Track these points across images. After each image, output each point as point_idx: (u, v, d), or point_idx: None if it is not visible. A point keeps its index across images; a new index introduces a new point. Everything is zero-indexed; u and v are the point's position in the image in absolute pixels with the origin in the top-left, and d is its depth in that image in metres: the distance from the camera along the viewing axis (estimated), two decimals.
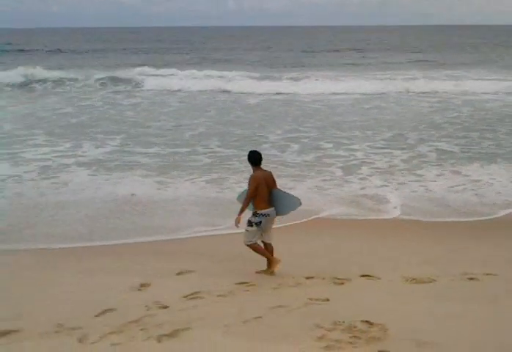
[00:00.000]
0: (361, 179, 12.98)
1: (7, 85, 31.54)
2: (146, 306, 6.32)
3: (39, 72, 34.00)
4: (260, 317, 5.91)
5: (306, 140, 17.32)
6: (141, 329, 5.64)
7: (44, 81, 32.54)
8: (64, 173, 13.43)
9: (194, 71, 35.59)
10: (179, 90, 30.12)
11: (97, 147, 16.26)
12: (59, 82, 32.43)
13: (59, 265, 8.11)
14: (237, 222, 7.22)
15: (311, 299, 6.43)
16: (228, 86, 30.46)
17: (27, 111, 23.30)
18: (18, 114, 22.58)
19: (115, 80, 32.76)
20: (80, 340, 5.44)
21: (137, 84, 31.80)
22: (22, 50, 64.38)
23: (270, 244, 7.63)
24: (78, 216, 10.40)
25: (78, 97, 28.20)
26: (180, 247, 8.87)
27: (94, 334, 5.54)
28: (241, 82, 31.69)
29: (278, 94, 28.83)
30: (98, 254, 8.55)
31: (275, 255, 7.62)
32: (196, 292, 6.73)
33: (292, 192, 11.25)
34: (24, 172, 13.46)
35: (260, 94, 28.53)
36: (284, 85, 31.13)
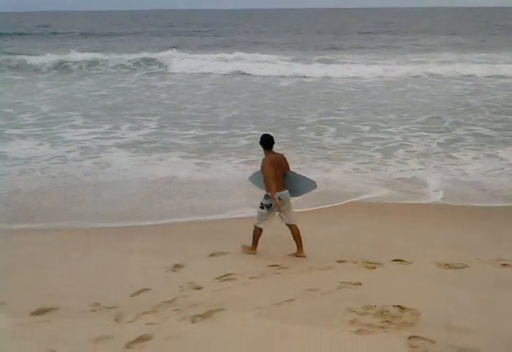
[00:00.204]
0: (399, 162, 12.90)
1: (44, 68, 32.00)
2: (180, 286, 6.45)
3: (74, 55, 34.40)
4: (292, 299, 5.97)
5: (342, 123, 17.22)
6: (176, 309, 5.76)
7: (79, 63, 32.89)
8: (105, 154, 13.71)
9: (225, 54, 35.27)
10: (210, 73, 30.07)
11: (134, 129, 16.46)
12: (93, 64, 32.79)
13: (98, 244, 8.28)
14: (278, 205, 7.31)
15: (343, 283, 6.45)
16: (259, 69, 30.23)
17: (63, 93, 23.72)
18: (55, 96, 22.97)
19: (148, 62, 32.94)
20: (116, 319, 5.58)
21: (169, 67, 31.84)
22: (55, 33, 65.02)
23: (295, 226, 7.63)
24: (119, 196, 10.66)
25: (112, 79, 28.54)
26: (215, 228, 8.94)
27: (130, 313, 5.68)
28: (272, 65, 31.45)
29: (310, 77, 28.55)
30: (135, 234, 8.72)
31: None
32: (229, 274, 6.82)
33: (329, 175, 11.43)
34: (66, 152, 13.81)
35: (292, 77, 28.43)
36: (316, 68, 30.73)
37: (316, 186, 7.73)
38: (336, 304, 5.82)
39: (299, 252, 7.63)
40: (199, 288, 6.41)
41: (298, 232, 7.64)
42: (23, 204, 10.20)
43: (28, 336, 5.29)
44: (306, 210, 9.61)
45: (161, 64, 32.29)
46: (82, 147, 14.28)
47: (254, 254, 7.73)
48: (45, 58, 33.47)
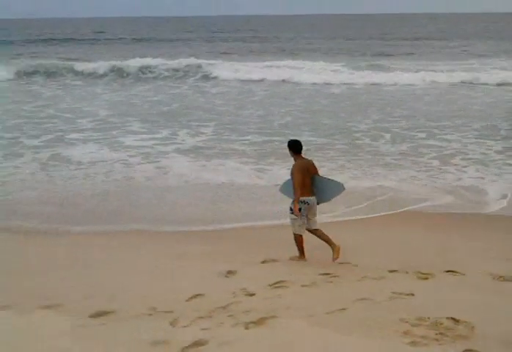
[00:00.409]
0: (457, 170, 12.82)
1: (100, 74, 32.90)
2: (233, 292, 6.54)
3: (129, 60, 35.17)
4: (344, 309, 5.98)
5: (396, 130, 17.20)
6: (229, 315, 5.85)
7: (133, 69, 33.61)
8: (165, 159, 14.12)
9: (276, 61, 35.34)
10: (261, 80, 30.17)
11: (192, 135, 16.84)
12: (147, 70, 33.42)
13: (155, 247, 8.53)
14: (296, 212, 7.48)
15: (395, 293, 6.42)
16: (308, 76, 30.23)
17: (120, 99, 24.44)
18: (112, 102, 23.68)
19: (199, 68, 33.28)
20: (171, 324, 5.70)
21: (220, 73, 32.08)
22: (109, 40, 66.57)
23: (319, 230, 7.75)
24: (178, 201, 11.00)
25: (166, 85, 29.26)
26: (269, 234, 9.05)
27: (185, 318, 5.80)
28: (322, 71, 31.48)
29: (360, 83, 28.43)
30: (191, 238, 8.95)
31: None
32: (280, 281, 6.87)
33: (385, 182, 11.47)
34: (128, 157, 14.30)
35: (342, 84, 28.33)
36: (366, 74, 30.61)
37: (344, 188, 7.83)
38: (388, 315, 5.80)
39: (335, 251, 7.70)
40: (251, 295, 6.49)
41: (322, 233, 7.76)
42: (87, 207, 10.65)
43: (87, 338, 5.45)
44: (361, 217, 9.66)
45: (212, 71, 32.61)
46: (142, 153, 14.70)
47: (304, 261, 7.83)
48: (100, 64, 34.33)
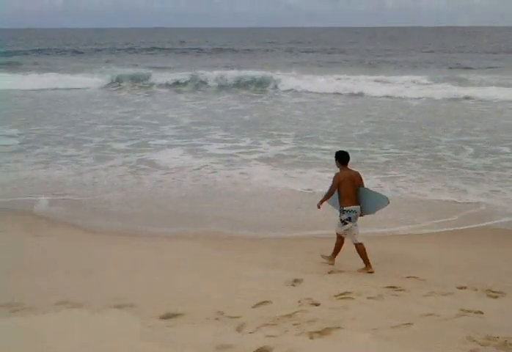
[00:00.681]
0: None
1: (184, 83, 33.79)
2: (299, 301, 6.62)
3: (212, 71, 35.92)
4: (410, 323, 5.94)
5: (479, 143, 16.83)
6: (294, 324, 5.94)
7: (214, 79, 34.12)
8: (247, 166, 14.48)
9: (355, 74, 34.67)
10: (340, 92, 29.77)
11: (274, 144, 17.08)
12: (226, 81, 33.84)
13: (225, 252, 8.72)
14: (318, 205, 8.02)
15: (463, 310, 6.32)
16: (386, 89, 29.73)
17: (203, 108, 25.28)
18: (195, 110, 24.44)
19: (281, 79, 33.08)
20: (238, 329, 5.85)
21: (300, 84, 31.87)
22: (191, 49, 67.65)
23: (361, 245, 7.89)
24: (259, 207, 11.25)
25: (247, 95, 29.90)
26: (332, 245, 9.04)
27: (251, 324, 5.94)
28: (402, 84, 30.93)
29: (440, 96, 27.67)
30: (260, 244, 9.09)
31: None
32: (346, 293, 6.90)
33: (467, 196, 11.40)
34: (211, 163, 14.73)
35: (422, 97, 27.71)
36: (446, 87, 29.65)
37: (389, 202, 7.93)
38: (455, 332, 5.72)
39: (367, 268, 7.84)
40: (317, 304, 6.55)
41: (363, 249, 7.85)
42: (171, 209, 11.16)
43: (155, 339, 5.66)
44: (436, 230, 9.56)
45: (291, 82, 32.38)
46: (227, 160, 15.12)
47: (330, 263, 8.11)
48: (184, 73, 35.39)
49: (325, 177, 13.03)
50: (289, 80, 32.93)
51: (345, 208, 7.78)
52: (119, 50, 65.56)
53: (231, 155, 15.76)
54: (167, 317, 6.18)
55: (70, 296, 6.64)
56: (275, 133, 18.77)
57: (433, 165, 14.28)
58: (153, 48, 67.65)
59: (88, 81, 33.99)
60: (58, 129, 19.66)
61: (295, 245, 9.12)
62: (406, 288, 7.12)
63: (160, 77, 34.96)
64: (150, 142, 17.47)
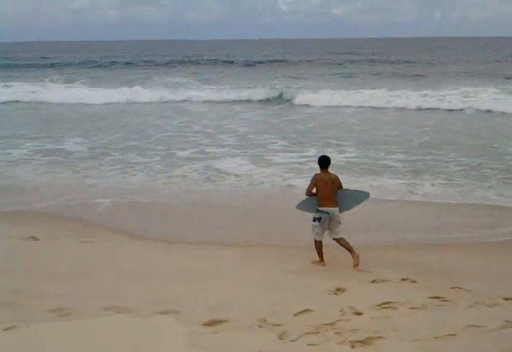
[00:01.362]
0: None
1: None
2: (341, 310, 6.65)
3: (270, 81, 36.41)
4: (454, 334, 5.90)
5: None
6: (336, 333, 5.98)
7: (268, 90, 33.51)
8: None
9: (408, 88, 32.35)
10: (402, 106, 27.91)
11: (338, 152, 17.00)
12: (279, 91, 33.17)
13: (267, 260, 8.77)
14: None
15: (508, 322, 6.23)
16: (441, 103, 28.06)
17: (258, 118, 25.41)
18: (250, 120, 24.71)
19: (335, 91, 31.93)
20: (280, 337, 5.92)
21: (357, 97, 30.31)
22: (230, 62, 66.46)
23: (342, 239, 8.42)
24: None
25: (299, 104, 29.71)
26: (383, 255, 9.05)
27: (293, 332, 6.00)
28: (463, 94, 29.28)
29: (501, 107, 26.21)
30: (302, 252, 9.03)
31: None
32: (389, 302, 6.88)
33: None
34: (282, 172, 14.81)
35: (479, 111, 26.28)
36: (505, 98, 27.90)
37: (369, 196, 8.69)
38: (500, 345, 5.67)
39: (354, 258, 8.33)
40: (359, 313, 6.56)
41: (345, 242, 8.40)
42: (237, 215, 11.37)
43: (199, 346, 5.77)
44: (484, 240, 9.50)
45: (346, 94, 31.06)
46: (292, 168, 15.18)
47: (323, 265, 8.48)
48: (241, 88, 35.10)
49: (397, 182, 13.46)
50: (341, 93, 31.36)
51: (319, 208, 8.31)
52: (168, 62, 65.68)
53: (299, 163, 15.86)
54: (211, 323, 6.30)
55: (117, 301, 6.83)
56: (334, 141, 18.77)
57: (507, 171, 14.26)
58: (207, 60, 67.54)
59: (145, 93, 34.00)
60: (121, 138, 20.22)
61: (337, 253, 9.09)
62: (450, 299, 7.04)
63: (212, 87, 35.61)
64: (208, 150, 17.78)
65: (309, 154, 16.70)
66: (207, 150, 17.78)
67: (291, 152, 17.40)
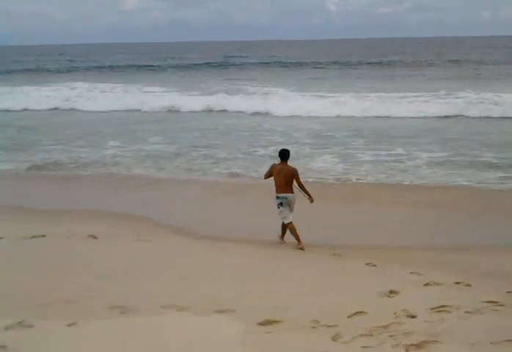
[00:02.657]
0: None
1: None
2: (394, 313, 6.65)
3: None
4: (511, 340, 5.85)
5: None
6: (390, 335, 5.99)
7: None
8: (416, 170, 15.37)
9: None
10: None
11: (425, 151, 17.37)
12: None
13: (322, 260, 8.88)
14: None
15: None
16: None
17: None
18: (323, 119, 25.02)
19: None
20: (333, 338, 5.98)
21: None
22: (293, 63, 65.10)
23: (291, 224, 9.53)
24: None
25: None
26: (438, 257, 9.04)
27: (347, 334, 6.05)
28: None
29: None
30: (356, 254, 9.16)
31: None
32: (443, 306, 6.83)
33: None
34: (379, 172, 15.17)
35: None
36: None
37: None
38: None
39: (299, 244, 9.48)
40: (413, 317, 6.55)
41: (293, 227, 9.50)
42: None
43: (253, 345, 5.91)
44: None
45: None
46: (392, 167, 15.60)
47: (281, 243, 9.79)
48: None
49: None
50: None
51: (277, 195, 9.54)
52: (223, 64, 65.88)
53: (394, 161, 16.29)
54: (266, 323, 6.41)
55: (175, 300, 7.02)
56: (411, 140, 19.07)
57: None
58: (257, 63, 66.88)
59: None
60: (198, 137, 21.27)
61: (389, 257, 9.07)
62: (507, 303, 6.95)
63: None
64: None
65: (394, 152, 17.32)
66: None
67: (378, 150, 17.77)
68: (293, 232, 9.55)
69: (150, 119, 27.00)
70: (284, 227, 9.70)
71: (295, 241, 9.57)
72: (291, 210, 9.55)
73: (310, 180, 13.25)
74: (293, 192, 9.55)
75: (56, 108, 31.71)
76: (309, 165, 15.80)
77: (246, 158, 17.26)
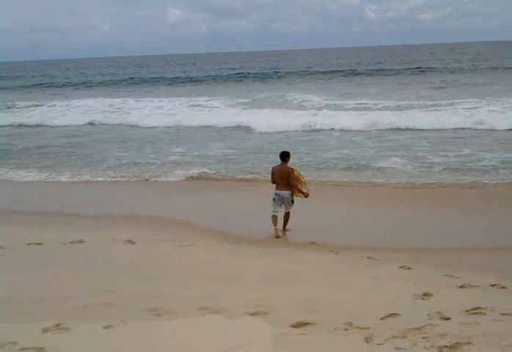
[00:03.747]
0: None
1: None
2: (428, 315, 6.64)
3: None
4: None
5: None
6: (424, 337, 5.99)
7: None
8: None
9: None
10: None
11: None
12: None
13: (352, 267, 8.86)
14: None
15: None
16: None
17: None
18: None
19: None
20: (366, 340, 6.01)
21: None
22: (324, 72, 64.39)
23: (288, 213, 10.82)
24: None
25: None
26: (473, 259, 8.99)
27: (380, 336, 6.08)
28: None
29: None
30: (388, 256, 9.16)
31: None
32: (478, 308, 6.80)
33: None
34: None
35: None
36: None
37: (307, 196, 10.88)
38: None
39: (283, 231, 10.77)
40: (447, 319, 6.53)
41: (289, 216, 10.82)
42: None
43: (286, 347, 5.97)
44: None
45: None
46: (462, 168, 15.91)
47: (276, 236, 10.57)
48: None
49: None
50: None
51: (275, 191, 10.74)
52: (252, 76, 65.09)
53: (462, 162, 16.54)
54: (299, 325, 6.47)
55: (210, 302, 7.15)
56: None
57: None
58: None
59: None
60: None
61: (420, 259, 9.02)
62: None
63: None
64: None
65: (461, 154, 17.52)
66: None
67: (444, 151, 18.04)
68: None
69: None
70: (286, 219, 10.84)
71: (283, 230, 10.86)
72: (286, 205, 10.76)
73: None
74: (289, 190, 10.68)
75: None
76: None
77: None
